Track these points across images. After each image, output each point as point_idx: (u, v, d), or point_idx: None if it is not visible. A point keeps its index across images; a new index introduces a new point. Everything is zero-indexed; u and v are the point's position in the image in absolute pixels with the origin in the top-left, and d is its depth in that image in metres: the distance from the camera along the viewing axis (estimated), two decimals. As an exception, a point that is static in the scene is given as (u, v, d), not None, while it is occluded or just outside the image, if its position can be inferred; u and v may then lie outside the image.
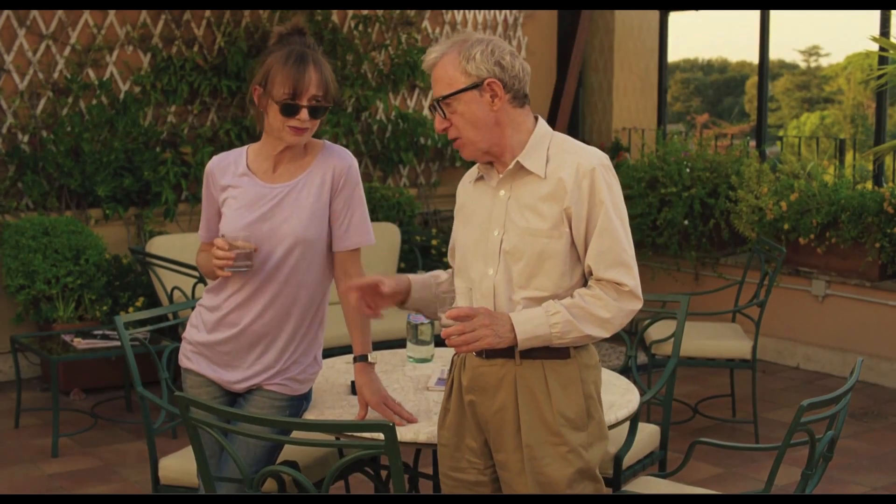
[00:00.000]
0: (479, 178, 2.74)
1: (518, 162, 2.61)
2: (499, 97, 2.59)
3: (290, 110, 2.94)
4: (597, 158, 2.60)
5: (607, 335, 2.59)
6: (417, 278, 2.83)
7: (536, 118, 2.69)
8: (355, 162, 3.09)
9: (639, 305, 2.59)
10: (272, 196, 3.03)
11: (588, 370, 2.65)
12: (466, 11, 8.23)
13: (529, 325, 2.53)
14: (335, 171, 3.03)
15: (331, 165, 3.04)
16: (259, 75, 2.99)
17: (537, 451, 2.57)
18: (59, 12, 6.55)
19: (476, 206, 2.72)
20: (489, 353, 2.62)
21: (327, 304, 3.14)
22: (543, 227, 2.57)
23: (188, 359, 3.14)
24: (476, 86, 2.58)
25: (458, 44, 2.61)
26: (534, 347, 2.56)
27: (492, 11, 8.37)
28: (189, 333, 3.15)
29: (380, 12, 7.69)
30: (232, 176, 3.08)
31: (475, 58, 2.57)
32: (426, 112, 8.05)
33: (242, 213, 3.03)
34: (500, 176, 2.66)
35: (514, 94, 2.61)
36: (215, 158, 3.16)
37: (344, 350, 3.53)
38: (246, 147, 3.15)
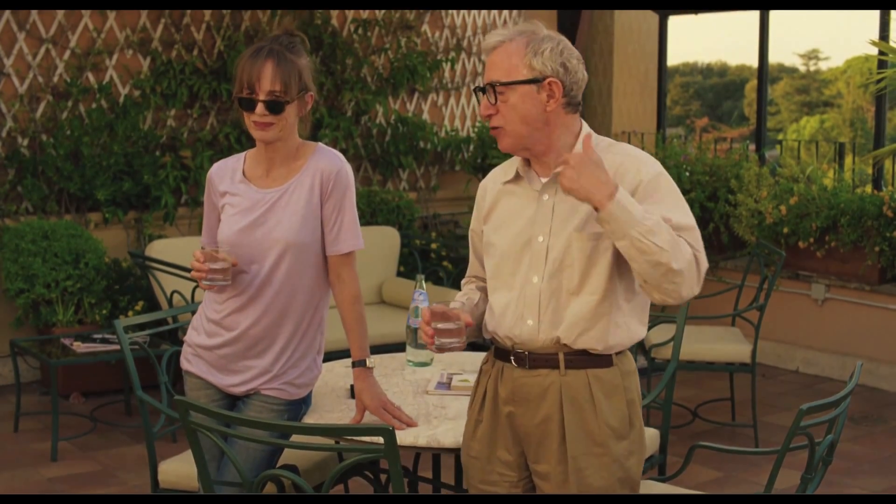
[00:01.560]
0: (514, 180, 2.62)
1: None
2: (555, 98, 2.50)
3: (245, 105, 2.94)
4: (658, 166, 2.53)
5: (675, 267, 2.35)
6: (466, 309, 2.70)
7: (581, 122, 2.61)
8: (346, 165, 3.07)
9: (704, 268, 2.44)
10: (265, 201, 3.03)
11: (629, 376, 2.59)
12: (466, 15, 8.24)
13: (627, 198, 2.35)
14: (323, 175, 3.02)
15: (319, 169, 3.03)
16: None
17: (582, 461, 2.51)
18: (59, 16, 6.56)
19: (513, 209, 2.61)
20: (532, 364, 2.56)
21: (326, 308, 3.13)
22: (593, 230, 2.48)
23: (188, 361, 3.15)
24: (536, 81, 2.48)
25: (528, 34, 2.51)
26: (618, 230, 2.35)
27: (491, 14, 8.38)
28: (189, 336, 3.16)
29: (379, 16, 7.69)
30: (230, 182, 3.09)
31: (543, 53, 2.48)
32: (426, 116, 8.06)
33: (237, 220, 3.03)
34: (545, 180, 2.56)
35: (569, 99, 2.53)
36: (215, 165, 3.17)
37: (343, 354, 3.52)
38: (245, 153, 3.16)
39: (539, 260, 2.54)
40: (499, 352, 2.64)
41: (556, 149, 2.55)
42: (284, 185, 3.03)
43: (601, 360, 2.54)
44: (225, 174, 3.11)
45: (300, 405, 3.11)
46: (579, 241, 2.50)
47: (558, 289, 2.52)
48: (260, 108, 2.93)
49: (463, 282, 2.89)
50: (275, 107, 2.93)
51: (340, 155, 3.10)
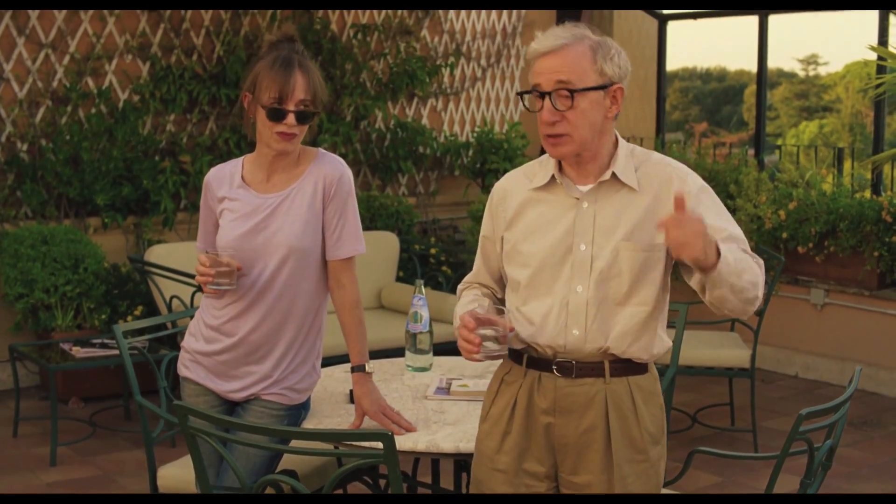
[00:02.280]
0: (547, 186, 2.55)
1: (613, 173, 2.48)
2: (617, 105, 2.46)
3: (276, 115, 2.93)
4: (699, 178, 2.54)
5: (759, 294, 2.37)
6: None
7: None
8: (348, 171, 3.08)
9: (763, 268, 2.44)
10: (266, 206, 3.03)
11: (658, 382, 2.59)
12: (465, 20, 8.25)
13: (723, 248, 2.30)
14: (326, 180, 3.02)
15: (322, 174, 3.03)
16: (248, 82, 2.99)
17: (625, 469, 2.48)
18: (59, 21, 6.56)
19: (547, 217, 2.54)
20: (578, 373, 2.50)
21: (325, 313, 3.13)
22: (643, 241, 2.46)
23: (186, 367, 3.14)
24: (604, 87, 2.44)
25: (587, 39, 2.44)
26: (715, 285, 2.31)
27: (491, 20, 8.39)
28: (187, 342, 3.15)
29: (379, 21, 7.70)
30: (228, 187, 3.08)
31: (614, 59, 2.44)
32: (425, 121, 8.06)
33: (237, 225, 3.03)
34: (585, 188, 2.51)
35: (619, 106, 2.48)
36: (213, 170, 3.16)
37: (342, 359, 3.51)
38: (242, 158, 3.15)
39: (583, 269, 2.49)
40: (535, 361, 2.55)
41: (601, 156, 2.51)
42: (285, 190, 3.03)
43: (639, 368, 2.53)
44: (223, 179, 3.11)
45: (300, 410, 3.11)
46: (629, 252, 2.46)
47: (605, 298, 2.48)
48: (290, 118, 2.92)
49: (461, 287, 2.79)
50: (305, 117, 2.94)
51: (342, 160, 3.10)
